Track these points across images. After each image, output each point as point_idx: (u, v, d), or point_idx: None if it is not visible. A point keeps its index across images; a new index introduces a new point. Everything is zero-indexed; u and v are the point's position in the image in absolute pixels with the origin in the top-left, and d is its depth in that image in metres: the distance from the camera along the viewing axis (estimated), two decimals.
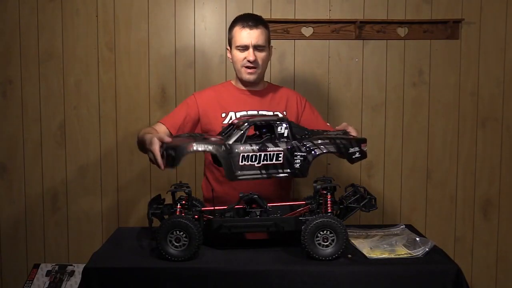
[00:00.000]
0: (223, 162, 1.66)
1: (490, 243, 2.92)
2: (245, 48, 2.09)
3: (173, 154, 1.65)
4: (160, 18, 2.78)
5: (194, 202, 1.80)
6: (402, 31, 2.81)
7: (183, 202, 1.73)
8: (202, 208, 1.79)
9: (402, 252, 1.69)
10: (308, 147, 1.71)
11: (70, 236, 2.85)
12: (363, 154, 1.77)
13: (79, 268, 2.49)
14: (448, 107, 2.86)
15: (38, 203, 2.84)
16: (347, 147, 1.74)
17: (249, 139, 1.70)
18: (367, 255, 1.67)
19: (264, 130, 1.76)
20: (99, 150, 2.82)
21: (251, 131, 1.76)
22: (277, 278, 1.58)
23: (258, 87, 2.20)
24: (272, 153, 1.69)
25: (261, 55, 2.11)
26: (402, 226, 1.96)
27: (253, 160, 1.68)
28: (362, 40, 2.81)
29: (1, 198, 2.83)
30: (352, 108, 2.84)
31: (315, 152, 1.70)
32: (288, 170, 1.70)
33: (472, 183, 2.89)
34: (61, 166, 2.82)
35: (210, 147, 1.66)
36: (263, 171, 1.68)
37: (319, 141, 1.72)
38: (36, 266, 2.57)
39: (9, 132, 2.80)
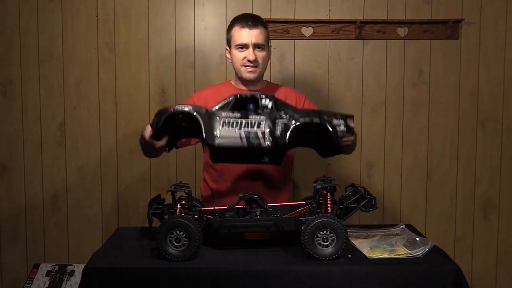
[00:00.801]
0: (203, 124, 1.66)
1: (490, 243, 2.91)
2: (244, 47, 2.09)
3: (155, 118, 1.71)
4: (160, 18, 2.78)
5: (194, 202, 1.80)
6: (402, 31, 2.81)
7: (183, 202, 1.73)
8: (202, 208, 1.79)
9: (402, 252, 1.69)
10: (290, 114, 1.69)
11: (70, 236, 2.85)
12: (349, 129, 1.72)
13: (79, 268, 2.49)
14: (448, 107, 2.86)
15: (38, 203, 2.84)
16: (330, 117, 1.70)
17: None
18: (367, 255, 1.67)
19: (250, 106, 1.72)
20: (99, 150, 2.82)
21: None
22: (277, 278, 1.58)
23: (257, 86, 2.20)
24: (253, 120, 1.68)
25: (261, 54, 2.11)
26: (402, 226, 1.96)
27: (234, 125, 1.67)
28: (362, 40, 2.81)
29: (1, 198, 2.83)
30: (352, 108, 2.84)
31: (296, 119, 1.68)
32: (270, 138, 1.66)
33: (472, 183, 2.89)
34: (61, 166, 2.82)
35: (190, 107, 1.68)
36: (244, 138, 1.66)
37: (302, 111, 1.70)
38: (36, 266, 2.57)
39: (9, 132, 2.80)
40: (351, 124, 1.73)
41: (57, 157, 2.82)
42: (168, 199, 1.81)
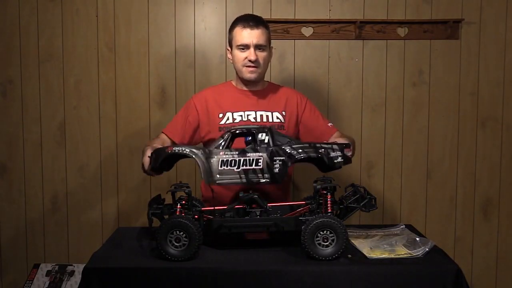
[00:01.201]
0: (201, 165, 1.68)
1: (490, 243, 2.92)
2: (246, 47, 2.09)
3: (154, 156, 1.76)
4: (160, 18, 2.78)
5: (194, 202, 1.80)
6: (402, 31, 2.81)
7: (183, 202, 1.73)
8: (202, 208, 1.79)
9: (402, 252, 1.69)
10: (287, 152, 1.71)
11: (70, 236, 2.85)
12: (346, 159, 1.76)
13: (79, 268, 2.49)
14: (448, 107, 2.86)
15: (38, 203, 2.84)
16: (328, 151, 1.73)
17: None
18: (367, 255, 1.67)
19: (248, 139, 1.78)
20: (99, 150, 2.82)
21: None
22: (277, 278, 1.58)
23: (258, 86, 2.20)
24: (251, 158, 1.70)
25: (262, 54, 2.11)
26: (402, 226, 1.96)
27: (233, 165, 1.69)
28: (362, 40, 2.81)
29: (1, 198, 2.83)
30: (352, 108, 2.84)
31: (294, 156, 1.71)
32: (268, 176, 1.69)
33: (472, 183, 2.89)
34: (61, 166, 2.82)
35: (187, 150, 1.70)
36: (243, 176, 1.69)
37: (299, 146, 1.73)
38: (36, 266, 2.57)
39: (9, 132, 2.80)
40: (348, 154, 1.77)
41: (57, 157, 2.82)
42: (168, 199, 1.81)
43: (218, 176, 1.69)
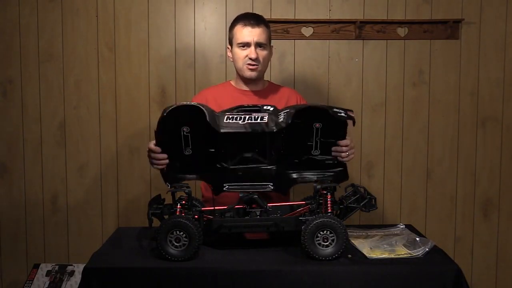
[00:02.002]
0: (208, 117, 1.68)
1: (490, 243, 2.92)
2: (246, 46, 2.09)
3: (163, 113, 1.70)
4: (160, 18, 2.78)
5: (194, 202, 1.80)
6: (402, 31, 2.81)
7: (183, 202, 1.73)
8: (202, 208, 1.79)
9: (402, 252, 1.69)
10: (291, 106, 1.76)
11: (70, 236, 2.85)
12: (350, 117, 1.76)
13: (79, 268, 2.49)
14: (448, 107, 2.86)
15: (38, 203, 2.84)
16: (330, 107, 1.75)
17: None
18: (367, 255, 1.67)
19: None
20: (99, 150, 2.82)
21: None
22: (277, 278, 1.58)
23: (258, 86, 2.19)
24: (256, 115, 1.72)
25: (262, 53, 2.10)
26: (402, 226, 1.96)
27: (238, 119, 1.71)
28: (362, 40, 2.81)
29: (1, 198, 2.83)
30: (352, 108, 2.79)
31: (296, 107, 1.73)
32: (273, 125, 1.70)
33: (472, 183, 2.89)
34: (61, 166, 2.82)
35: (194, 103, 1.71)
36: (247, 126, 1.70)
37: (302, 105, 1.78)
38: (36, 266, 2.57)
39: (9, 132, 2.80)
40: (352, 114, 1.77)
41: (57, 157, 2.82)
42: (168, 199, 1.81)
43: (223, 125, 1.69)
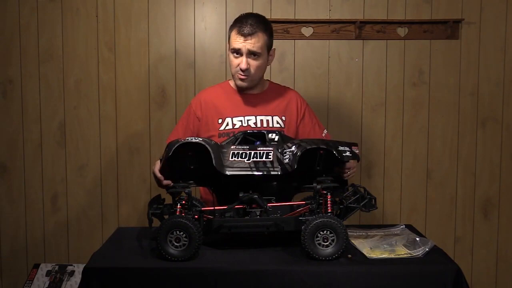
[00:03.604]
0: (212, 153, 1.69)
1: (490, 243, 2.92)
2: (239, 54, 2.05)
3: (166, 149, 1.74)
4: (160, 18, 2.78)
5: (194, 202, 1.80)
6: (402, 31, 2.81)
7: (183, 202, 1.73)
8: (202, 208, 1.79)
9: (402, 252, 1.69)
10: (297, 143, 1.74)
11: (70, 236, 2.85)
12: (355, 155, 1.77)
13: (79, 268, 2.49)
14: (448, 107, 2.86)
15: (38, 203, 2.84)
16: (336, 145, 1.76)
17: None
18: (367, 255, 1.67)
19: (257, 142, 1.80)
20: (99, 150, 2.82)
21: None
22: (277, 278, 1.58)
23: (255, 90, 2.16)
24: (262, 151, 1.72)
25: (255, 63, 2.05)
26: (402, 226, 1.96)
27: (243, 157, 1.71)
28: (362, 40, 2.81)
29: (1, 198, 2.83)
30: (352, 108, 2.84)
31: (303, 146, 1.72)
32: (278, 167, 1.71)
33: (472, 183, 2.89)
34: (61, 166, 2.82)
35: (200, 139, 1.72)
36: (253, 166, 1.71)
37: (309, 140, 1.76)
38: (36, 266, 2.57)
39: (9, 132, 2.80)
40: (356, 151, 1.78)
41: (57, 157, 2.82)
42: (168, 199, 1.81)
43: (229, 165, 1.70)
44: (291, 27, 2.77)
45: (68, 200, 2.84)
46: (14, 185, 2.83)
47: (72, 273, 2.53)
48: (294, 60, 2.81)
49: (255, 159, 1.71)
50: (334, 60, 2.82)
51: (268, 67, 2.20)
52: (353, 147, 1.78)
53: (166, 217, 1.75)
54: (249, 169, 1.71)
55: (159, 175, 1.89)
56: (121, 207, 2.85)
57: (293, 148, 1.72)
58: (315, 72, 2.82)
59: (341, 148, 1.75)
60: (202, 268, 1.60)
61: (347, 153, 1.76)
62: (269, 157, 1.72)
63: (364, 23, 2.77)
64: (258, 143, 1.79)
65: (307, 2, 2.79)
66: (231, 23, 2.12)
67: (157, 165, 1.92)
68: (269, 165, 1.71)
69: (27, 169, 2.82)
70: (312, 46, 2.81)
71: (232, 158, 1.71)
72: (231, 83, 2.21)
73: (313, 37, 2.80)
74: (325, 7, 2.79)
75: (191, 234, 1.61)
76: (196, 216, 1.72)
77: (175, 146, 1.71)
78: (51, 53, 2.77)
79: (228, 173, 1.70)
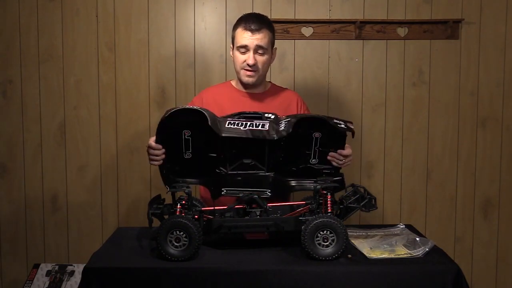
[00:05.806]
0: (210, 121, 1.69)
1: (490, 243, 2.92)
2: (246, 50, 2.07)
3: (165, 114, 1.72)
4: (160, 18, 2.78)
5: (194, 202, 1.80)
6: (402, 31, 2.81)
7: (183, 202, 1.73)
8: (202, 208, 1.79)
9: (402, 252, 1.69)
10: (292, 115, 1.78)
11: (70, 236, 2.86)
12: (350, 129, 1.79)
13: (79, 268, 2.49)
14: (448, 107, 2.86)
15: (38, 203, 2.84)
16: (331, 118, 1.78)
17: None
18: (367, 255, 1.67)
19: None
20: (99, 150, 2.82)
21: None
22: (277, 278, 1.58)
23: (258, 89, 2.18)
24: (258, 123, 1.76)
25: (261, 58, 2.08)
26: (402, 226, 1.96)
27: (239, 125, 1.74)
28: (362, 40, 2.81)
29: (1, 198, 2.83)
30: (352, 108, 2.84)
31: (297, 116, 1.76)
32: (274, 133, 1.73)
33: (472, 183, 2.89)
34: (61, 166, 2.82)
35: (197, 107, 1.73)
36: (248, 132, 1.73)
37: (303, 114, 1.82)
38: (36, 266, 2.57)
39: (9, 132, 2.80)
40: (351, 126, 1.79)
41: (57, 157, 2.82)
42: (168, 199, 1.81)
43: (225, 130, 1.72)
44: (291, 27, 2.77)
45: (68, 200, 2.84)
46: (14, 185, 2.83)
47: (72, 273, 2.53)
48: (294, 60, 2.81)
49: (251, 128, 1.74)
50: (334, 60, 2.82)
51: (268, 69, 2.20)
52: (348, 124, 1.79)
53: (166, 217, 1.75)
54: (244, 134, 1.72)
55: (153, 144, 1.81)
56: (121, 207, 2.85)
57: (288, 118, 1.77)
58: (315, 72, 2.82)
59: (336, 121, 1.78)
60: (202, 268, 1.60)
61: (342, 125, 1.77)
62: (265, 127, 1.74)
63: (364, 23, 2.77)
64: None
65: (307, 2, 2.79)
66: (234, 24, 2.13)
67: (152, 139, 1.85)
68: (265, 132, 1.73)
69: (27, 169, 2.82)
70: (312, 46, 2.81)
71: (228, 125, 1.74)
72: (233, 82, 2.22)
73: (313, 37, 2.80)
74: (325, 7, 2.79)
75: (191, 234, 1.61)
76: (196, 216, 1.72)
77: (172, 110, 1.71)
78: (51, 53, 2.77)
79: (224, 135, 1.71)
